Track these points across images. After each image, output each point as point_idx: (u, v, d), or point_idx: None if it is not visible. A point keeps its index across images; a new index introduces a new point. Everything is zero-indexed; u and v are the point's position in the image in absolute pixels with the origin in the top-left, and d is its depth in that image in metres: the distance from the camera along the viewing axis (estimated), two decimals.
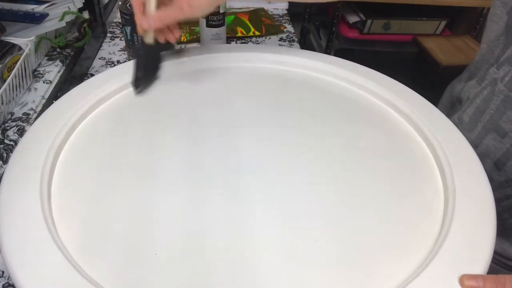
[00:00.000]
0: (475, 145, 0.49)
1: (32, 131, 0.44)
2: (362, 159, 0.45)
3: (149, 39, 0.49)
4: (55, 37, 0.72)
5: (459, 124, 0.52)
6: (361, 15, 1.75)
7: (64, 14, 0.69)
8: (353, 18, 1.75)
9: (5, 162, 0.51)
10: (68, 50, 0.71)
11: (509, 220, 0.49)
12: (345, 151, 0.46)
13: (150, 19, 0.47)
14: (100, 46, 0.80)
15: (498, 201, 0.39)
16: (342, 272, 0.34)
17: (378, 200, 0.40)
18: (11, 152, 0.52)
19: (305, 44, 2.08)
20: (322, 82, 0.57)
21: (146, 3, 0.47)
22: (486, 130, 0.48)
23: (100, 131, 0.47)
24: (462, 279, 0.31)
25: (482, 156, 0.48)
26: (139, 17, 0.48)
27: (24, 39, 0.61)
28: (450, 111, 0.59)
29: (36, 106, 0.59)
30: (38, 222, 0.35)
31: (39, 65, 0.68)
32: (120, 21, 0.76)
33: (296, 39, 0.87)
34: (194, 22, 0.84)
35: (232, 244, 0.36)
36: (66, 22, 0.69)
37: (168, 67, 0.57)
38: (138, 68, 0.51)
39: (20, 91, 0.60)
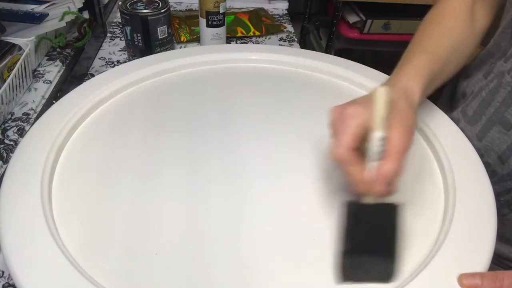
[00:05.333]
0: (479, 139, 0.48)
1: (33, 131, 0.44)
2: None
3: (371, 198, 0.34)
4: (55, 37, 0.71)
5: (462, 118, 0.52)
6: (361, 15, 1.74)
7: (64, 14, 0.69)
8: (353, 18, 1.75)
9: (5, 162, 0.51)
10: (68, 50, 0.71)
11: (508, 215, 0.49)
12: None
13: (378, 186, 0.32)
14: (100, 46, 0.80)
15: (497, 195, 0.39)
16: None
17: None
18: (11, 152, 0.52)
19: (305, 44, 2.08)
20: (322, 81, 0.57)
21: (369, 150, 0.33)
22: (491, 122, 0.47)
23: (100, 131, 0.47)
24: (461, 278, 0.32)
25: (486, 150, 0.48)
26: (352, 171, 0.33)
27: (24, 39, 0.61)
28: (451, 107, 0.58)
29: (36, 106, 0.59)
30: (39, 222, 0.35)
31: (39, 65, 0.67)
32: (120, 21, 0.76)
33: (296, 39, 0.87)
34: (194, 22, 0.84)
35: (231, 243, 0.36)
36: (66, 22, 0.69)
37: (169, 67, 0.57)
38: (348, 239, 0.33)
39: (20, 91, 0.60)
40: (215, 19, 0.74)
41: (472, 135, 0.49)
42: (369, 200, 0.34)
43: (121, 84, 0.53)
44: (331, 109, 0.36)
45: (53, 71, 0.66)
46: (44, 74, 0.66)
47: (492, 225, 0.36)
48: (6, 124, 0.56)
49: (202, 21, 0.75)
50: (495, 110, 0.47)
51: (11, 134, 0.54)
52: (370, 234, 0.33)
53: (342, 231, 0.33)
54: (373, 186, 0.33)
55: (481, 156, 0.46)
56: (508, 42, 0.48)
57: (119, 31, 0.86)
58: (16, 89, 0.58)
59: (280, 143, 0.46)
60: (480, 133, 0.49)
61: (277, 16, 0.95)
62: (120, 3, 0.69)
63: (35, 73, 0.65)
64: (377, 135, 0.32)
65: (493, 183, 0.40)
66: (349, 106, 0.35)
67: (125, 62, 0.74)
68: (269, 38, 0.87)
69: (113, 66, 0.74)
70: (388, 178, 0.32)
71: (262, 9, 0.94)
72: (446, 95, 0.63)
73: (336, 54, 0.55)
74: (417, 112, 0.48)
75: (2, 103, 0.55)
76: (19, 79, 0.58)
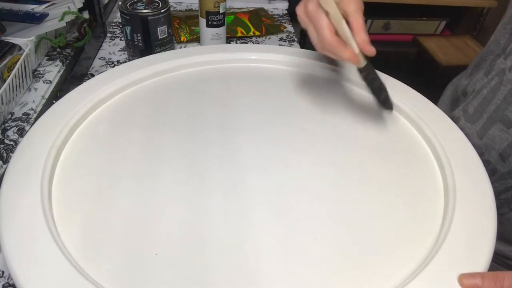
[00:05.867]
0: (479, 137, 0.49)
1: (33, 131, 0.44)
2: (362, 158, 0.45)
3: (363, 61, 0.45)
4: (55, 37, 0.72)
5: (463, 116, 0.52)
6: None
7: (64, 14, 0.69)
8: None
9: (5, 162, 0.51)
10: (68, 50, 0.71)
11: (508, 214, 0.49)
12: (346, 150, 0.46)
13: (368, 48, 0.43)
14: (100, 46, 0.80)
15: (497, 193, 0.39)
16: (341, 271, 0.34)
17: (378, 199, 0.40)
18: (11, 152, 0.52)
19: (305, 44, 2.08)
20: (322, 81, 0.57)
21: (340, 33, 0.44)
22: (492, 120, 0.47)
23: (100, 131, 0.47)
24: (461, 278, 0.32)
25: (487, 147, 0.48)
26: (345, 51, 0.43)
27: (24, 39, 0.61)
28: (452, 106, 0.58)
29: (36, 106, 0.59)
30: (39, 222, 0.35)
31: (39, 65, 0.67)
32: (120, 21, 0.76)
33: (296, 39, 0.87)
34: (194, 22, 0.84)
35: (232, 243, 0.36)
36: (66, 22, 0.69)
37: (169, 68, 0.57)
38: (380, 91, 0.47)
39: (20, 91, 0.60)
40: (215, 19, 0.74)
41: (472, 133, 0.50)
42: (358, 65, 0.46)
43: (121, 84, 0.53)
44: (297, 9, 0.47)
45: (53, 71, 0.66)
46: (44, 74, 0.66)
47: (492, 225, 0.36)
48: (6, 124, 0.56)
49: (202, 21, 0.75)
50: (496, 108, 0.47)
51: (11, 134, 0.54)
52: (378, 81, 0.47)
53: (369, 87, 0.47)
54: (366, 51, 0.44)
55: (482, 154, 0.46)
56: (508, 38, 0.48)
57: (119, 31, 0.86)
58: (16, 89, 0.58)
59: (280, 143, 0.46)
60: (481, 131, 0.49)
61: (277, 16, 0.95)
62: (120, 3, 0.69)
63: (35, 73, 0.65)
64: (344, 23, 0.43)
65: (493, 181, 0.40)
66: (308, 4, 0.45)
67: (125, 62, 0.74)
68: (269, 38, 0.87)
69: (113, 66, 0.74)
70: (367, 40, 0.43)
71: (262, 9, 0.94)
72: (447, 95, 0.63)
73: None
74: (417, 111, 0.48)
75: (2, 103, 0.55)
76: (19, 79, 0.58)
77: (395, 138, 0.48)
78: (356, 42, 0.43)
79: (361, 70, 0.46)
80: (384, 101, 0.47)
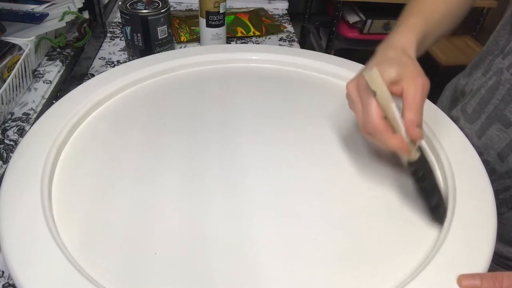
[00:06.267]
0: (478, 136, 0.49)
1: (33, 131, 0.44)
2: (362, 158, 0.45)
3: (414, 153, 0.38)
4: (55, 37, 0.71)
5: (461, 116, 0.52)
6: (361, 15, 1.75)
7: (64, 14, 0.69)
8: (353, 18, 1.75)
9: (5, 162, 0.51)
10: (68, 50, 0.71)
11: (506, 213, 0.49)
12: (345, 151, 0.46)
13: (413, 131, 0.36)
14: (100, 46, 0.80)
15: (496, 193, 0.39)
16: (341, 271, 0.34)
17: (378, 199, 0.40)
18: (11, 152, 0.52)
19: (305, 44, 2.08)
20: (322, 81, 0.57)
21: (388, 116, 0.37)
22: (490, 120, 0.47)
23: (100, 131, 0.47)
24: (460, 279, 0.32)
25: (486, 147, 0.48)
26: (391, 138, 0.37)
27: (24, 39, 0.61)
28: (451, 106, 0.58)
29: (36, 106, 0.59)
30: (39, 222, 0.35)
31: (39, 65, 0.67)
32: (120, 21, 0.76)
33: (296, 39, 0.87)
34: (194, 22, 0.84)
35: (231, 243, 0.36)
36: (66, 22, 0.69)
37: (169, 68, 0.57)
38: (431, 193, 0.39)
39: (20, 91, 0.60)
40: (215, 19, 0.74)
41: (471, 133, 0.50)
42: (407, 156, 0.38)
43: (121, 84, 0.53)
44: (347, 85, 0.41)
45: (53, 71, 0.66)
46: (44, 74, 0.66)
47: (492, 225, 0.36)
48: (6, 124, 0.56)
49: (202, 21, 0.75)
50: (494, 107, 0.47)
51: (11, 134, 0.54)
52: (431, 180, 0.39)
53: (417, 186, 0.40)
54: (410, 135, 0.37)
55: (481, 154, 0.46)
56: (507, 39, 0.48)
57: (119, 31, 0.86)
58: (16, 89, 0.58)
59: (280, 143, 0.46)
60: (480, 131, 0.49)
61: (277, 16, 0.95)
62: (120, 3, 0.69)
63: (35, 73, 0.65)
64: (394, 105, 0.37)
65: (492, 181, 0.40)
66: (361, 79, 0.38)
67: (125, 62, 0.74)
68: (269, 38, 0.87)
69: (113, 66, 0.74)
70: (417, 121, 0.36)
71: (262, 9, 0.94)
72: (446, 95, 0.63)
73: (336, 54, 0.55)
74: None
75: (2, 103, 0.55)
76: (19, 79, 0.58)
77: None
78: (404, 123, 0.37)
79: (410, 163, 0.39)
80: (435, 208, 0.38)
